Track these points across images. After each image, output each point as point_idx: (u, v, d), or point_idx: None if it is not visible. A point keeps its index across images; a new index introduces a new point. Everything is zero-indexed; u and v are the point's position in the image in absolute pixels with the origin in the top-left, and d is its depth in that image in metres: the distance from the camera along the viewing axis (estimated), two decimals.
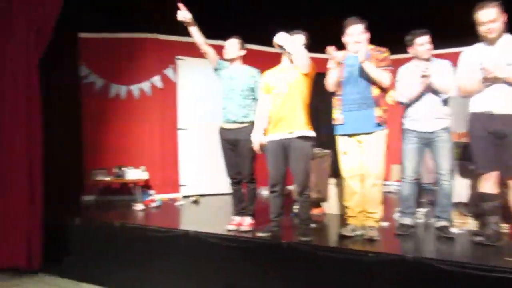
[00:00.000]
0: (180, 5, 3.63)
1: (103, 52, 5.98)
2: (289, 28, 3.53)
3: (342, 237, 3.40)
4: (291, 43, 3.39)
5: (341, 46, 3.44)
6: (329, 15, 5.23)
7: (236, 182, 3.87)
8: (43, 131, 4.43)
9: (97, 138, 5.77)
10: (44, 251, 4.30)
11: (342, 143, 3.47)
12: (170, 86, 6.16)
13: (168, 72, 6.16)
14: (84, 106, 5.75)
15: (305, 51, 3.42)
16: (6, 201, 4.40)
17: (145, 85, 6.05)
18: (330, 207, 4.57)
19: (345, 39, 3.42)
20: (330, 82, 3.44)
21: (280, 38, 3.38)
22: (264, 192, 5.16)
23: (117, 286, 4.04)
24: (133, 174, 5.61)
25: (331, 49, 3.33)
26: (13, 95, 4.45)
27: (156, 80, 6.09)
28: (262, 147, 3.55)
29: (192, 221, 4.64)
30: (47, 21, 4.37)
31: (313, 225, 3.75)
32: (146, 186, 5.77)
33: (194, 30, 3.74)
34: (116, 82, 5.98)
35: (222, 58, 3.88)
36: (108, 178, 5.58)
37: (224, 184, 5.85)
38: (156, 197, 5.44)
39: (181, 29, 3.79)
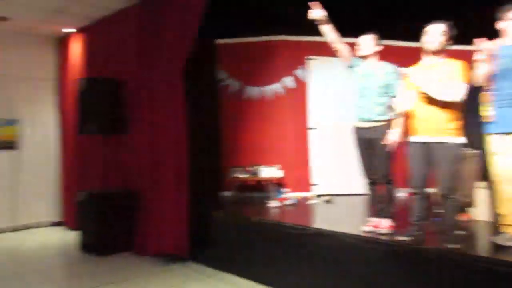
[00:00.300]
0: (313, 3, 3.61)
1: (238, 56, 6.33)
2: (428, 19, 3.30)
3: (496, 247, 3.07)
4: (433, 91, 3.16)
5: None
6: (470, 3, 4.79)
7: (372, 182, 3.75)
8: (187, 131, 4.85)
9: (234, 138, 6.12)
10: (191, 241, 4.69)
11: (494, 142, 3.13)
12: (300, 86, 6.25)
13: (299, 72, 6.25)
14: (221, 107, 6.14)
15: (450, 88, 3.12)
16: (157, 194, 4.93)
17: (277, 86, 6.24)
18: (479, 213, 4.17)
19: (505, 25, 3.06)
20: (479, 76, 3.12)
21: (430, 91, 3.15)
22: (402, 193, 4.92)
23: (254, 278, 4.21)
24: (268, 172, 5.83)
25: (479, 42, 3.00)
26: (163, 99, 4.97)
27: (288, 80, 6.23)
28: (398, 146, 3.40)
29: (326, 220, 4.63)
30: (190, 31, 4.74)
31: (459, 232, 3.46)
32: (280, 184, 5.94)
33: (327, 29, 3.69)
34: (250, 84, 6.28)
35: (355, 55, 3.80)
36: (244, 176, 5.88)
37: (357, 184, 5.74)
38: (290, 195, 5.56)
39: (311, 29, 3.78)
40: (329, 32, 3.69)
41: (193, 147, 4.91)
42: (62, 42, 7.19)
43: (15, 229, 6.78)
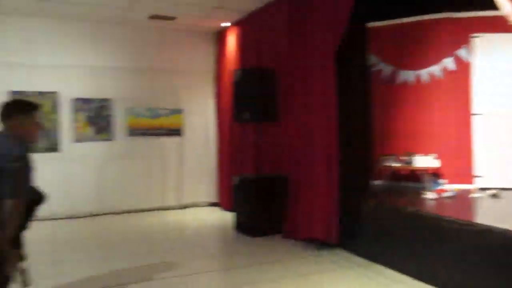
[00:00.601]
0: None
1: (391, 40, 6.00)
2: None
3: None
4: None
5: None
6: None
7: None
8: (338, 118, 4.79)
9: (386, 125, 5.86)
10: (341, 228, 4.66)
11: None
12: (463, 68, 5.64)
13: (461, 52, 5.65)
14: (373, 93, 5.93)
15: None
16: (308, 181, 4.99)
17: (435, 69, 5.75)
18: None
19: None
20: None
21: None
22: None
23: (405, 271, 4.01)
24: (422, 161, 5.43)
25: None
26: (314, 86, 5.00)
27: (448, 62, 5.69)
28: None
29: (492, 216, 4.13)
30: (342, 17, 4.66)
31: None
32: (436, 174, 5.50)
33: (503, 0, 3.26)
34: (404, 68, 5.91)
35: None
36: (396, 164, 5.59)
37: None
38: (448, 187, 5.11)
39: (478, 3, 3.36)
40: (505, 4, 3.25)
41: (344, 133, 4.88)
42: (219, 36, 7.76)
43: (180, 207, 7.62)
